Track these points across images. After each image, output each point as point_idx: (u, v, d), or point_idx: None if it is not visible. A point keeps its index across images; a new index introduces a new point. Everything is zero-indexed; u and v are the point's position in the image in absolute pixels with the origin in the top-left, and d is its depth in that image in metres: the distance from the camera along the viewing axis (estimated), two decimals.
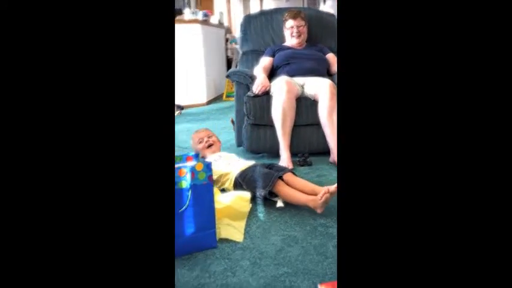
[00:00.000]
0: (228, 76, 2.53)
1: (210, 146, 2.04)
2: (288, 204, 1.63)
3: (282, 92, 2.17)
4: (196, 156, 1.44)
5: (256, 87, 2.27)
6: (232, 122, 2.58)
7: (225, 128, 3.31)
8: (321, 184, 1.70)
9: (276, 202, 1.65)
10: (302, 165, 2.18)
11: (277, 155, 2.23)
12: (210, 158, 1.92)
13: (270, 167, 1.80)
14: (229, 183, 1.75)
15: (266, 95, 2.29)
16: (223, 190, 1.75)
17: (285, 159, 2.15)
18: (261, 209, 1.63)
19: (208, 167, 1.29)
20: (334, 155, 2.16)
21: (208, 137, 2.07)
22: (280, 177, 1.66)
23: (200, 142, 2.06)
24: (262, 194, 1.63)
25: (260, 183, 1.64)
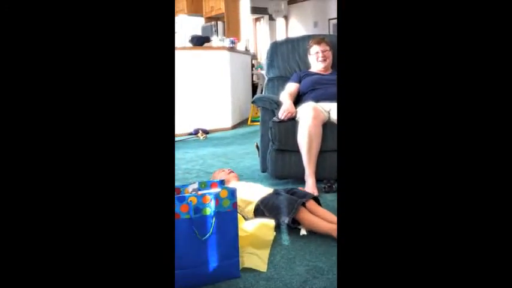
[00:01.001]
0: (253, 102, 2.54)
1: (231, 172, 2.10)
2: (313, 233, 1.59)
3: (308, 118, 2.15)
4: (221, 182, 1.43)
5: (282, 113, 2.27)
6: (257, 147, 2.57)
7: (249, 153, 3.30)
8: None
9: (299, 230, 1.62)
10: (328, 192, 2.14)
11: (302, 181, 2.19)
12: (234, 184, 1.90)
13: (292, 192, 1.77)
14: (250, 211, 1.72)
15: (292, 120, 2.28)
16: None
17: (310, 186, 2.12)
18: (285, 237, 1.59)
19: (232, 194, 1.27)
20: None
21: (229, 170, 2.16)
22: (303, 204, 1.63)
23: (221, 171, 2.13)
24: (286, 221, 1.59)
25: (283, 210, 1.60)
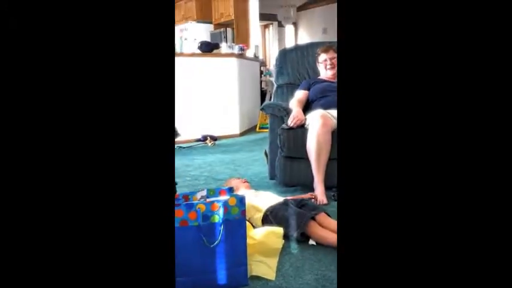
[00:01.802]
0: (262, 109, 2.54)
1: (245, 181, 2.09)
2: None
3: (317, 126, 2.15)
4: (230, 190, 1.42)
5: (291, 120, 2.26)
6: (266, 154, 2.56)
7: (257, 160, 3.29)
8: None
9: (308, 240, 1.60)
10: (337, 200, 2.13)
11: (311, 189, 2.18)
12: (243, 191, 1.89)
13: (302, 204, 1.75)
14: (258, 219, 1.70)
15: (301, 127, 2.27)
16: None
17: (319, 193, 2.10)
18: (293, 245, 1.58)
19: (241, 201, 1.26)
20: None
21: (244, 180, 2.14)
22: (313, 218, 1.61)
23: (236, 179, 2.13)
24: (294, 235, 1.58)
25: (292, 223, 1.58)
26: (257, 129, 5.33)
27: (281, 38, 8.76)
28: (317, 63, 2.70)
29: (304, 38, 8.38)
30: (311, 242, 1.58)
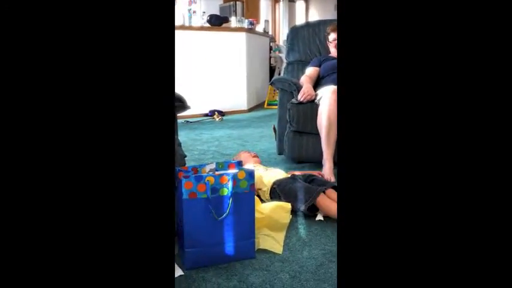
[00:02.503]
0: (272, 83, 2.52)
1: (255, 156, 2.09)
2: (329, 218, 1.57)
3: (328, 102, 2.12)
4: (239, 164, 1.41)
5: (302, 95, 2.24)
6: (274, 129, 2.55)
7: (265, 136, 3.28)
8: None
9: (315, 215, 1.60)
10: None
11: (319, 165, 2.17)
12: (252, 166, 1.89)
13: (310, 180, 1.74)
14: (266, 192, 1.71)
15: (310, 103, 2.25)
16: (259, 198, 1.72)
17: (327, 170, 2.09)
18: (301, 221, 1.58)
19: (250, 175, 1.26)
20: None
21: (254, 154, 2.15)
22: (323, 192, 1.61)
23: (246, 153, 2.13)
24: (302, 209, 1.58)
25: (300, 197, 1.58)
26: (265, 105, 5.30)
27: (291, 14, 8.61)
28: (327, 42, 2.66)
29: (315, 14, 8.23)
30: (318, 217, 1.58)
